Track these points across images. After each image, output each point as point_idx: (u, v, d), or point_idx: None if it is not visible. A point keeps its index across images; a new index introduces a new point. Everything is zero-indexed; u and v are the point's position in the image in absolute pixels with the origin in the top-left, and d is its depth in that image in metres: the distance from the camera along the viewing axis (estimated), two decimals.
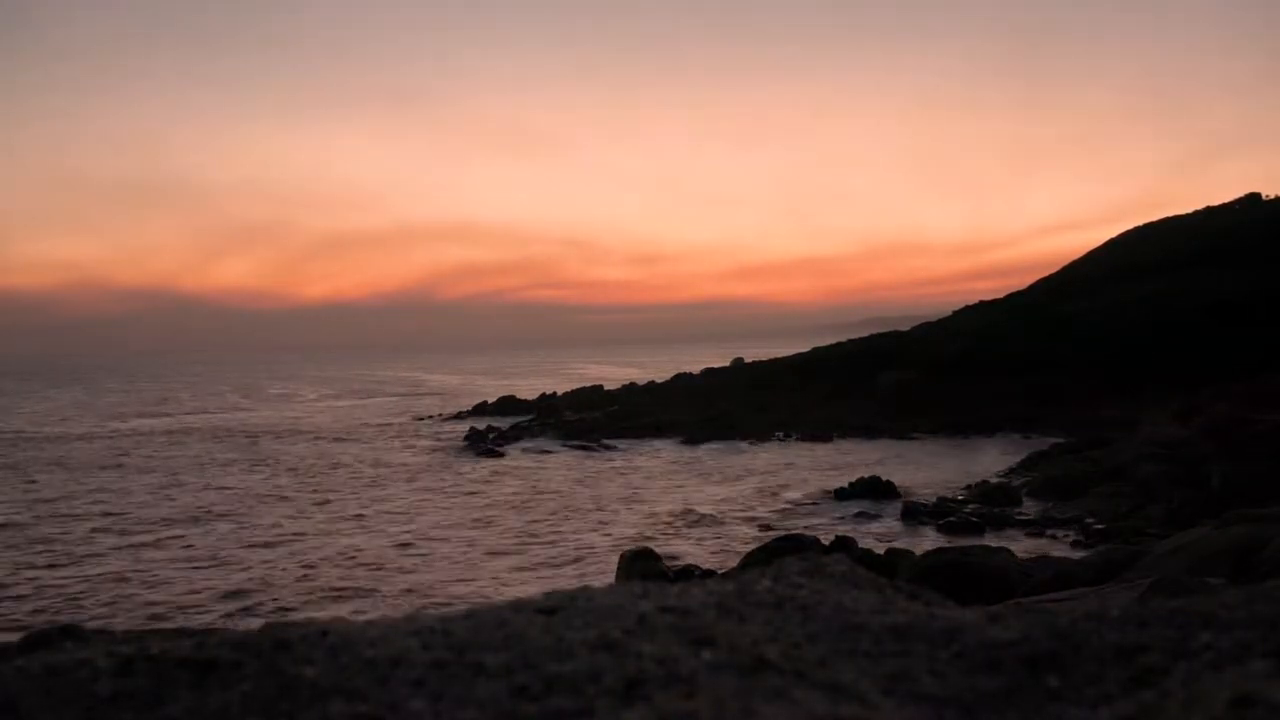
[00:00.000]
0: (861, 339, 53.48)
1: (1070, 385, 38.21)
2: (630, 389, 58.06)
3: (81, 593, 16.77)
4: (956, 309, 56.46)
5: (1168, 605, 1.51)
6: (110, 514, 24.46)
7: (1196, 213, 62.39)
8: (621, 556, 17.00)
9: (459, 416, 52.18)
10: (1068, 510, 21.49)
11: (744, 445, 36.10)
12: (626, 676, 1.23)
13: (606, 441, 37.81)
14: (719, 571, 15.32)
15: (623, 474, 30.49)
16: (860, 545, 17.29)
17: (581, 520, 22.85)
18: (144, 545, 20.58)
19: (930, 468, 29.44)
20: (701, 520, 22.46)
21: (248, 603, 15.98)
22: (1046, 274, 62.28)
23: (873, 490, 24.59)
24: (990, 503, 22.83)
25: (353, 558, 19.22)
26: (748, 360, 62.61)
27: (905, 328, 55.18)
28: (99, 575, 17.97)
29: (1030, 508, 22.47)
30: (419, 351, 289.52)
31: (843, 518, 22.33)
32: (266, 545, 20.46)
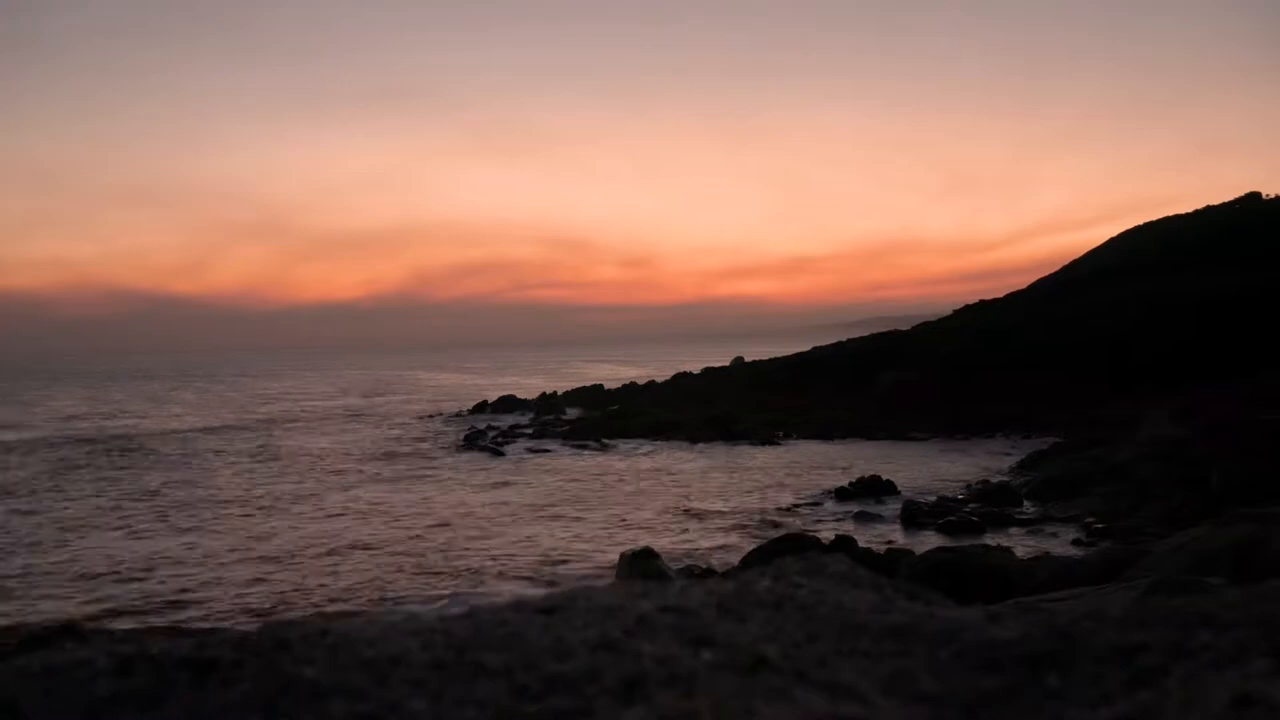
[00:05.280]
0: (861, 339, 53.46)
1: (1070, 385, 38.17)
2: (630, 389, 58.05)
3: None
4: (957, 308, 56.46)
5: (1168, 605, 1.51)
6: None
7: (1196, 212, 62.41)
8: (621, 556, 17.00)
9: (458, 416, 52.18)
10: (1068, 510, 21.47)
11: (744, 445, 36.09)
12: (626, 676, 1.23)
13: (606, 441, 37.81)
14: (719, 571, 15.34)
15: (622, 473, 30.48)
16: (860, 545, 17.28)
17: (581, 519, 22.85)
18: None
19: (930, 467, 29.43)
20: (701, 520, 22.46)
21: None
22: (1046, 274, 62.34)
23: (873, 490, 24.58)
24: (990, 502, 22.82)
25: (351, 554, 19.23)
26: (748, 360, 62.64)
27: (905, 328, 55.17)
28: None
29: (1030, 508, 22.47)
30: (416, 351, 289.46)
31: (843, 518, 22.32)
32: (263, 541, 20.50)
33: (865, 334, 55.36)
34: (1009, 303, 54.75)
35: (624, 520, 22.69)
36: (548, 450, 36.42)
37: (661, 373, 65.89)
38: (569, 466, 32.34)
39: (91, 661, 1.30)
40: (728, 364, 61.97)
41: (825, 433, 37.91)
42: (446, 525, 22.43)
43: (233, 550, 20.07)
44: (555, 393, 57.70)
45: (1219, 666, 1.24)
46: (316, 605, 15.74)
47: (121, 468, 34.30)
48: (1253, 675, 1.17)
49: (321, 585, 17.11)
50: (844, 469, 29.02)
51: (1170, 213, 64.29)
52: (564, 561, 18.70)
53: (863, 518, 22.12)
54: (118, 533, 22.28)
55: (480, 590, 16.61)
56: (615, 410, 47.34)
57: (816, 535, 18.34)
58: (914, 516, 21.56)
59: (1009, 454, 31.49)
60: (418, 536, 21.16)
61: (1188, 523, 15.26)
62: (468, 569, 18.21)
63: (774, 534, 19.48)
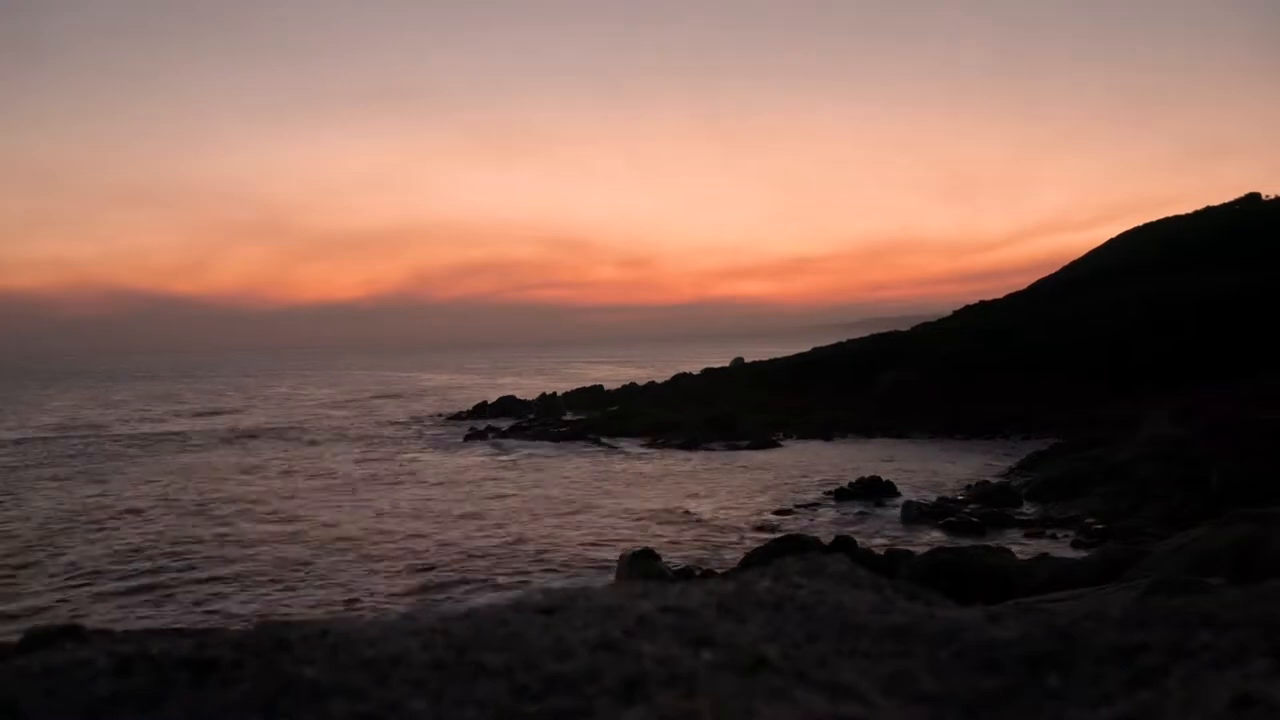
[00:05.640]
0: (861, 339, 53.52)
1: (1070, 385, 38.18)
2: (630, 389, 58.05)
3: None
4: (957, 309, 56.52)
5: (1168, 605, 1.51)
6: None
7: (1196, 213, 62.48)
8: (621, 556, 17.00)
9: (458, 417, 52.12)
10: (1068, 510, 21.46)
11: (744, 445, 36.08)
12: (626, 676, 1.23)
13: (606, 441, 37.80)
14: (719, 571, 15.33)
15: (622, 474, 30.49)
16: (860, 545, 17.28)
17: (581, 520, 22.85)
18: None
19: (930, 468, 29.43)
20: (701, 520, 22.46)
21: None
22: (1046, 274, 62.40)
23: (873, 490, 24.57)
24: (990, 503, 22.81)
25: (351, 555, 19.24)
26: (748, 360, 62.67)
27: (905, 328, 55.20)
28: None
29: (1030, 508, 22.46)
30: (416, 351, 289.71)
31: (843, 518, 22.31)
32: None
33: (865, 334, 55.41)
34: (1009, 303, 54.79)
35: (623, 520, 22.69)
36: (548, 451, 36.42)
37: (661, 373, 65.91)
38: (569, 467, 32.35)
39: (91, 661, 1.30)
40: (727, 364, 62.00)
41: (825, 433, 37.92)
42: (446, 526, 22.43)
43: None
44: (555, 393, 57.68)
45: (1219, 666, 1.24)
46: (311, 607, 15.76)
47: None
48: (1253, 675, 1.17)
49: (310, 589, 17.13)
50: (844, 469, 29.02)
51: (1170, 213, 64.35)
52: (564, 561, 18.70)
53: (863, 518, 22.12)
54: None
55: (478, 591, 16.62)
56: (615, 411, 47.34)
57: (816, 536, 18.34)
58: (914, 517, 21.56)
59: (1009, 454, 31.49)
60: (417, 537, 21.16)
61: (1188, 523, 15.26)
62: (466, 570, 18.21)
63: (774, 534, 19.49)
